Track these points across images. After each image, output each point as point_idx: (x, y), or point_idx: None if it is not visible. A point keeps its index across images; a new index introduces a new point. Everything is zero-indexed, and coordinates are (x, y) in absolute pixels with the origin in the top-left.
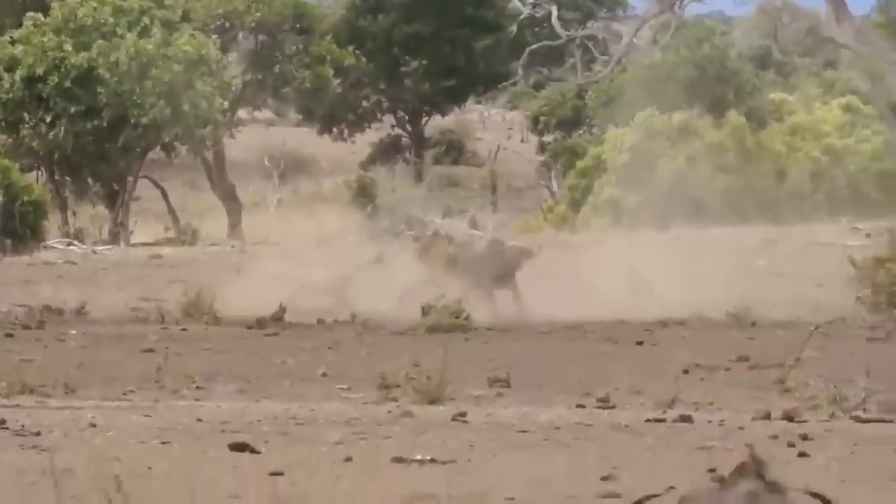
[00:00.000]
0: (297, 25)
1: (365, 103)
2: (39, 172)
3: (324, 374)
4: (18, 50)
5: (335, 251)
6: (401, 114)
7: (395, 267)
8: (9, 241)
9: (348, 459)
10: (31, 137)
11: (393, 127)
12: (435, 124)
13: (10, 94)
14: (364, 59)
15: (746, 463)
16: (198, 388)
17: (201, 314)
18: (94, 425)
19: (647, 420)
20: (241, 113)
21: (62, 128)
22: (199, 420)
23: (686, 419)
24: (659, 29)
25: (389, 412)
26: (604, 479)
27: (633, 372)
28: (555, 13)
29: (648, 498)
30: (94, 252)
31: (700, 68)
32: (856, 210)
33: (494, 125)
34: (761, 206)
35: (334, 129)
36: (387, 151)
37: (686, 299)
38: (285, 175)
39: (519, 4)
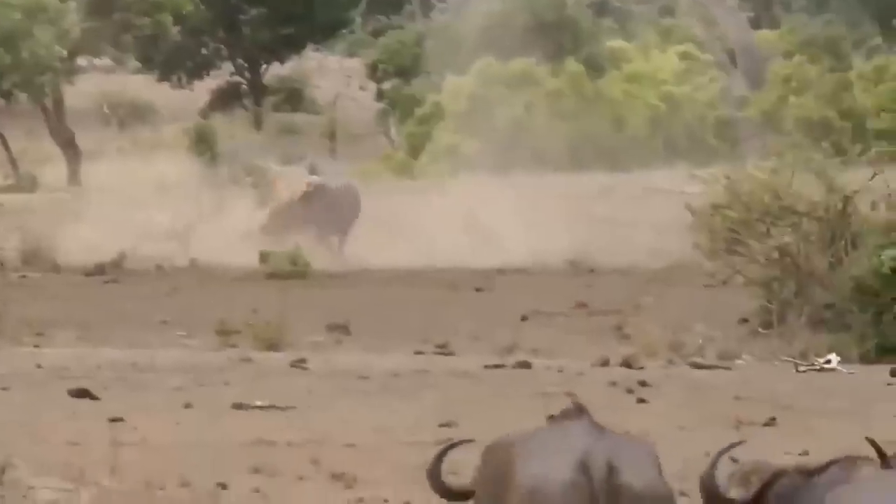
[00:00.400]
0: None
1: (204, 51)
2: None
3: (163, 321)
4: None
5: (175, 198)
6: (240, 61)
7: (235, 214)
8: None
9: (188, 405)
10: None
11: (232, 74)
12: (274, 72)
13: None
14: (203, 7)
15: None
16: (37, 334)
17: (40, 261)
18: None
19: (487, 366)
20: (81, 60)
21: None
22: (39, 366)
23: (525, 365)
24: None
25: (229, 358)
26: (443, 425)
27: (473, 318)
28: None
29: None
30: None
31: (538, 16)
32: (693, 157)
33: (333, 73)
34: (600, 154)
35: (173, 77)
36: (226, 99)
37: (525, 246)
38: (124, 122)
39: None
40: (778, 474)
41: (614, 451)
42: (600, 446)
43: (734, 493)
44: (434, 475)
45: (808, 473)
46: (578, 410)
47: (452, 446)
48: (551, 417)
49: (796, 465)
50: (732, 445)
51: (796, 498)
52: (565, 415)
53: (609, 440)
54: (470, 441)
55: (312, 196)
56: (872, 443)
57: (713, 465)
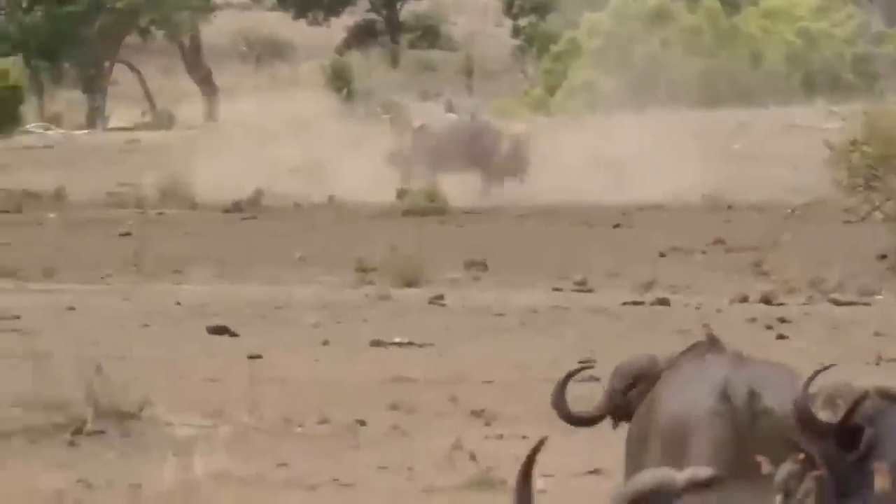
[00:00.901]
0: None
1: None
2: (16, 58)
3: (301, 258)
4: None
5: (312, 135)
6: None
7: (372, 150)
8: None
9: (326, 343)
10: (7, 22)
11: (368, 11)
12: (410, 8)
13: None
14: None
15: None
16: (176, 271)
17: (178, 199)
18: (72, 309)
19: (625, 303)
20: None
21: (39, 12)
22: (178, 304)
23: (663, 302)
24: None
25: (366, 295)
26: (581, 362)
27: (610, 255)
28: None
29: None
30: (72, 137)
31: None
32: (831, 93)
33: (469, 9)
34: (736, 90)
35: (310, 14)
36: (362, 36)
37: (662, 183)
38: (261, 59)
39: None
40: (863, 396)
41: (755, 377)
42: (741, 373)
43: (821, 416)
44: (558, 401)
45: (893, 397)
46: (712, 343)
47: (575, 372)
48: (685, 351)
49: (878, 388)
50: (825, 368)
51: (881, 420)
52: (700, 347)
53: (750, 367)
54: (590, 366)
55: (447, 133)
56: None
57: (806, 390)
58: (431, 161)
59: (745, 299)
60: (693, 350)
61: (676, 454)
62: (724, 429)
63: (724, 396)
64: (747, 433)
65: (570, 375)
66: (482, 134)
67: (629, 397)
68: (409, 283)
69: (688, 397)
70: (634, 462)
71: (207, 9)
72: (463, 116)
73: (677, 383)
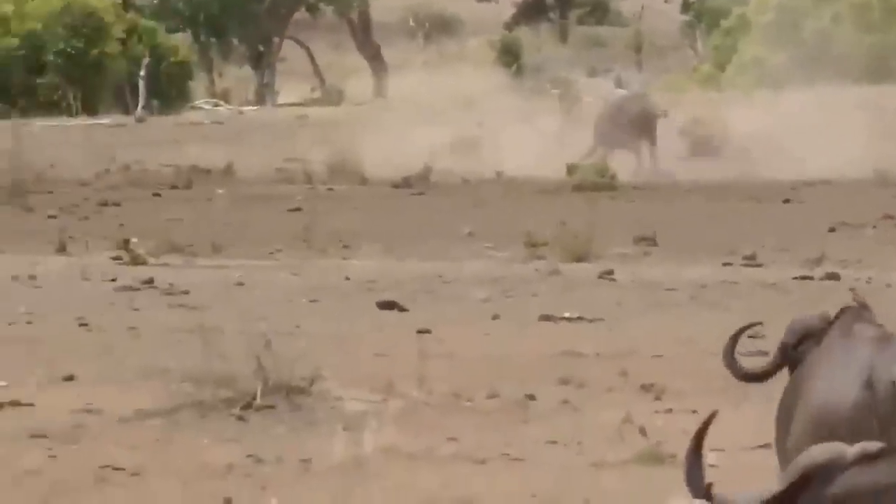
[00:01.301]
0: None
1: None
2: (185, 34)
3: (470, 233)
4: None
5: (480, 111)
6: None
7: (541, 126)
8: (156, 102)
9: (495, 317)
10: None
11: None
12: None
13: None
14: None
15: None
16: (345, 247)
17: (347, 174)
18: (241, 284)
19: (795, 278)
20: None
21: None
22: (347, 279)
23: (833, 277)
24: None
25: (536, 270)
26: (751, 336)
27: (780, 230)
28: None
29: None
30: (241, 112)
31: None
32: None
33: None
34: None
35: None
36: (531, 12)
37: (831, 158)
38: (430, 35)
39: None
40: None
41: None
42: (886, 357)
43: None
44: (729, 359)
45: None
46: (861, 310)
47: (743, 330)
48: (836, 317)
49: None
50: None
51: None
52: (849, 315)
53: (894, 351)
54: (759, 324)
55: (612, 109)
56: None
57: (732, 345)
58: (600, 136)
59: None
60: (842, 318)
61: (823, 438)
62: (867, 422)
63: (868, 385)
64: (891, 423)
65: (739, 332)
66: (649, 110)
67: (800, 352)
68: (579, 258)
69: (834, 386)
70: (783, 430)
71: None
72: (631, 92)
73: (825, 365)
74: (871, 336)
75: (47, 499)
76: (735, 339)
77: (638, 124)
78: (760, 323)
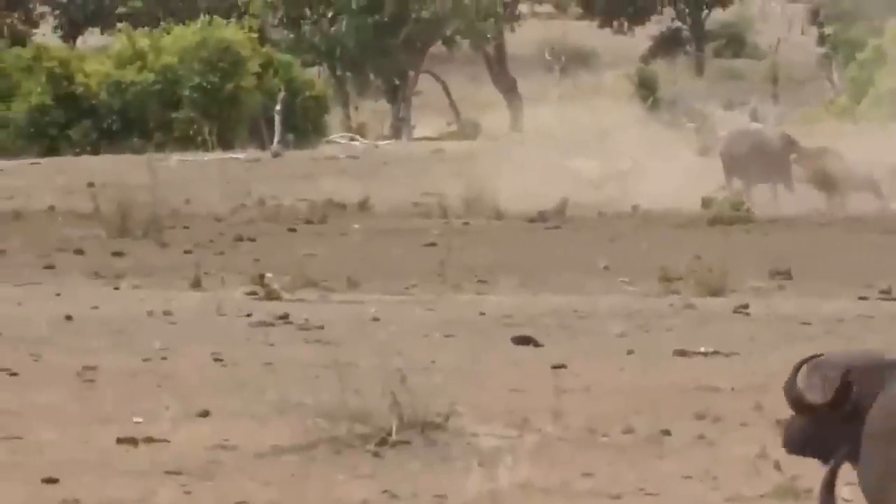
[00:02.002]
0: None
1: None
2: (321, 68)
3: (605, 267)
4: None
5: (616, 144)
6: (681, 6)
7: (677, 159)
8: (291, 136)
9: (630, 352)
10: (313, 33)
11: (673, 20)
12: (715, 17)
13: None
14: None
15: None
16: (480, 281)
17: (483, 208)
18: (377, 319)
19: None
20: (522, 7)
21: (343, 23)
22: (482, 314)
23: None
24: None
25: (671, 304)
26: None
27: None
28: None
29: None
30: (376, 146)
31: None
32: None
33: (775, 17)
34: None
35: (614, 23)
36: (667, 44)
37: None
38: (566, 68)
39: None
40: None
41: None
42: None
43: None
44: (790, 387)
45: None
46: None
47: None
48: None
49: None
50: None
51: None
52: None
53: None
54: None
55: (742, 142)
56: None
57: (794, 375)
58: (735, 170)
59: None
60: None
61: None
62: None
63: None
64: None
65: (804, 362)
66: (782, 146)
67: (855, 394)
68: (714, 293)
69: None
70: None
71: (512, 18)
72: (768, 125)
73: None
74: None
75: None
76: (798, 368)
77: (768, 159)
78: (821, 355)
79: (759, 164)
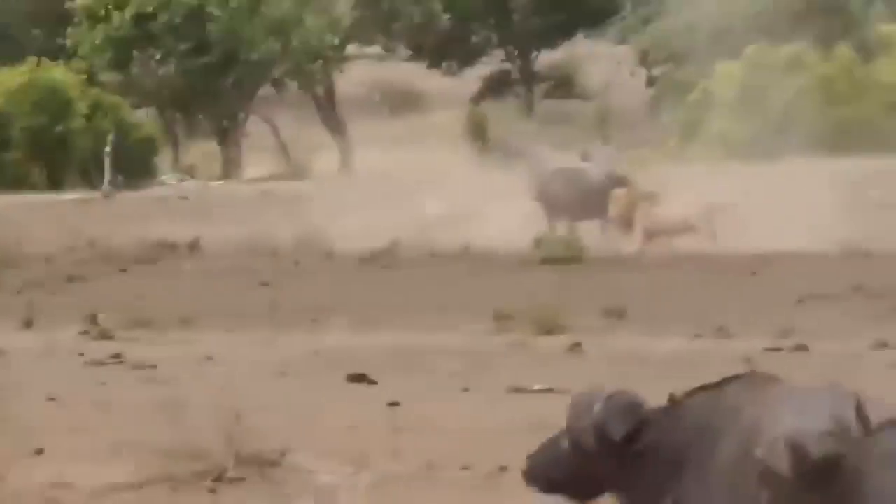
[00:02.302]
0: None
1: (474, 38)
2: (150, 109)
3: (439, 307)
4: None
5: (447, 185)
6: (510, 48)
7: (506, 200)
8: (121, 177)
9: (465, 390)
10: (142, 75)
11: (502, 61)
12: (544, 59)
13: (120, 32)
14: None
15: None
16: (313, 321)
17: (314, 248)
18: (210, 358)
19: (765, 350)
20: (351, 48)
21: (172, 65)
22: (316, 352)
23: (803, 349)
24: None
25: (505, 343)
26: None
27: (748, 302)
28: None
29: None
30: (207, 188)
31: (808, 1)
32: None
33: (604, 59)
34: (872, 138)
35: (444, 64)
36: (496, 86)
37: (798, 230)
38: (396, 110)
39: None
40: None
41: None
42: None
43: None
44: (581, 420)
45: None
46: (755, 378)
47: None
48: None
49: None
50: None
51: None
52: (744, 382)
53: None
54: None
55: (558, 181)
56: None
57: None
58: (558, 210)
59: (884, 345)
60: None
61: None
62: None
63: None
64: None
65: (586, 395)
66: (604, 184)
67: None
68: (548, 331)
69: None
70: None
71: (342, 60)
72: (598, 166)
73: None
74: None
75: None
76: (584, 403)
77: (587, 197)
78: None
79: (579, 203)
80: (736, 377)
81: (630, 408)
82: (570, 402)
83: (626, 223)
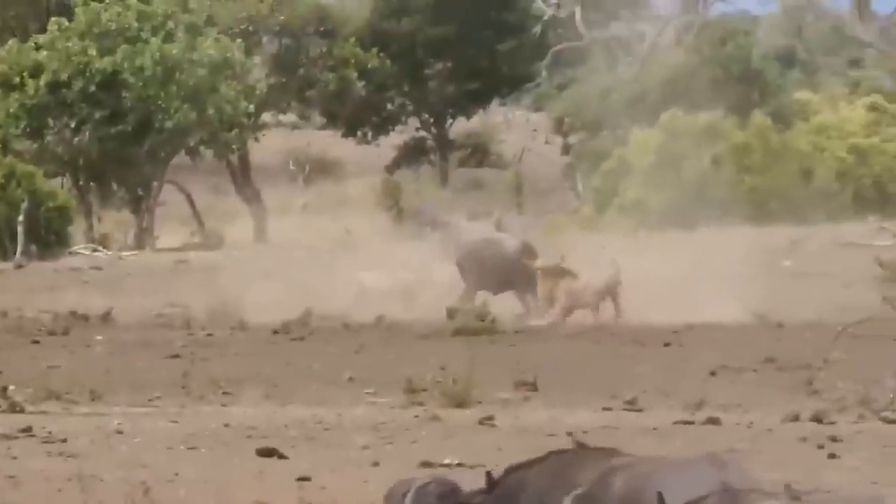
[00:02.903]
0: (321, 28)
1: (389, 106)
2: (64, 178)
3: (350, 379)
4: (43, 55)
5: (361, 254)
6: (425, 116)
7: (421, 270)
8: (34, 247)
9: (376, 464)
10: (56, 143)
11: (417, 129)
12: (459, 127)
13: (35, 100)
14: (388, 62)
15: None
16: (225, 393)
17: (227, 319)
18: (120, 432)
19: (675, 422)
20: (266, 116)
21: (87, 133)
22: (227, 425)
23: (714, 421)
24: (683, 29)
25: (416, 416)
26: None
27: (661, 374)
28: (578, 14)
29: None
30: (120, 258)
31: (724, 68)
32: (882, 209)
33: (519, 127)
34: (787, 207)
35: (359, 132)
36: (412, 154)
37: (712, 301)
38: (310, 178)
39: (542, 6)
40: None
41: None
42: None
43: None
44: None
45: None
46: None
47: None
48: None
49: None
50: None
51: None
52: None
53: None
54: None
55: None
56: None
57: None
58: (472, 280)
59: (795, 418)
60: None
61: None
62: None
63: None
64: None
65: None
66: (519, 255)
67: None
68: (459, 404)
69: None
70: None
71: (256, 128)
72: (513, 235)
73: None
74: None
75: None
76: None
77: (505, 268)
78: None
79: (497, 274)
80: (556, 452)
81: (443, 495)
82: (387, 492)
83: (548, 298)
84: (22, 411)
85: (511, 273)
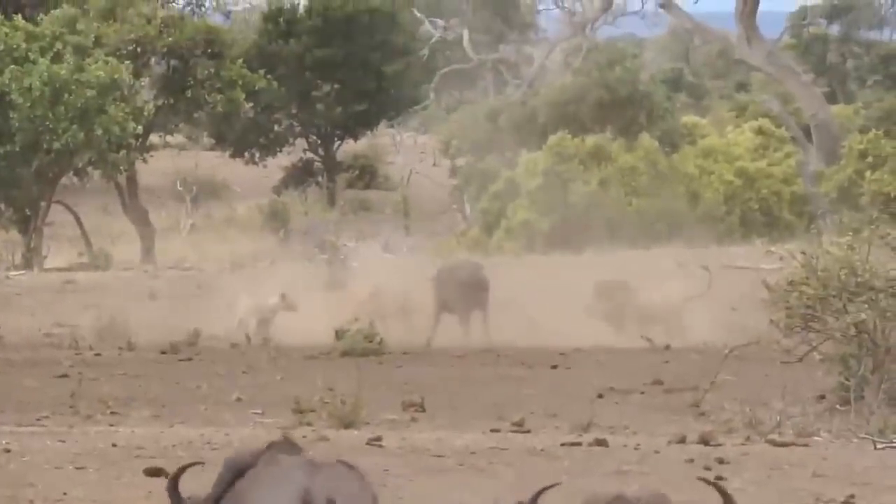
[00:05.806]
0: (209, 50)
1: (277, 127)
2: None
3: (238, 399)
4: None
5: (249, 275)
6: (313, 138)
7: (308, 291)
8: None
9: None
10: None
11: (305, 151)
12: (347, 148)
13: None
14: (276, 84)
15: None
16: (112, 413)
17: (115, 339)
18: (8, 451)
19: (563, 444)
20: (154, 138)
21: None
22: (114, 445)
23: (601, 443)
24: (570, 52)
25: (304, 437)
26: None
27: (548, 396)
28: (466, 36)
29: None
30: (7, 277)
31: (612, 91)
32: (769, 233)
33: (407, 149)
34: (675, 229)
35: (246, 154)
36: (299, 175)
37: (600, 323)
38: (198, 199)
39: (430, 28)
40: None
41: (331, 486)
42: (318, 481)
43: None
44: (171, 491)
45: None
46: (286, 445)
47: None
48: (261, 453)
49: None
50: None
51: None
52: (274, 449)
53: (326, 474)
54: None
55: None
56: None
57: None
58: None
59: (682, 440)
60: (268, 453)
61: None
62: None
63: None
64: None
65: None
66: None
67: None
68: (347, 425)
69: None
70: None
71: (144, 149)
72: (399, 256)
73: (257, 490)
74: (300, 463)
75: None
76: (174, 478)
77: (472, 291)
78: None
79: (472, 296)
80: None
81: None
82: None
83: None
84: None
85: (478, 295)
